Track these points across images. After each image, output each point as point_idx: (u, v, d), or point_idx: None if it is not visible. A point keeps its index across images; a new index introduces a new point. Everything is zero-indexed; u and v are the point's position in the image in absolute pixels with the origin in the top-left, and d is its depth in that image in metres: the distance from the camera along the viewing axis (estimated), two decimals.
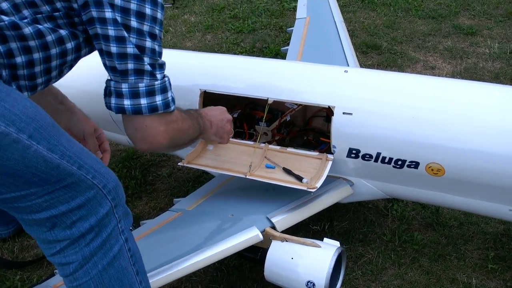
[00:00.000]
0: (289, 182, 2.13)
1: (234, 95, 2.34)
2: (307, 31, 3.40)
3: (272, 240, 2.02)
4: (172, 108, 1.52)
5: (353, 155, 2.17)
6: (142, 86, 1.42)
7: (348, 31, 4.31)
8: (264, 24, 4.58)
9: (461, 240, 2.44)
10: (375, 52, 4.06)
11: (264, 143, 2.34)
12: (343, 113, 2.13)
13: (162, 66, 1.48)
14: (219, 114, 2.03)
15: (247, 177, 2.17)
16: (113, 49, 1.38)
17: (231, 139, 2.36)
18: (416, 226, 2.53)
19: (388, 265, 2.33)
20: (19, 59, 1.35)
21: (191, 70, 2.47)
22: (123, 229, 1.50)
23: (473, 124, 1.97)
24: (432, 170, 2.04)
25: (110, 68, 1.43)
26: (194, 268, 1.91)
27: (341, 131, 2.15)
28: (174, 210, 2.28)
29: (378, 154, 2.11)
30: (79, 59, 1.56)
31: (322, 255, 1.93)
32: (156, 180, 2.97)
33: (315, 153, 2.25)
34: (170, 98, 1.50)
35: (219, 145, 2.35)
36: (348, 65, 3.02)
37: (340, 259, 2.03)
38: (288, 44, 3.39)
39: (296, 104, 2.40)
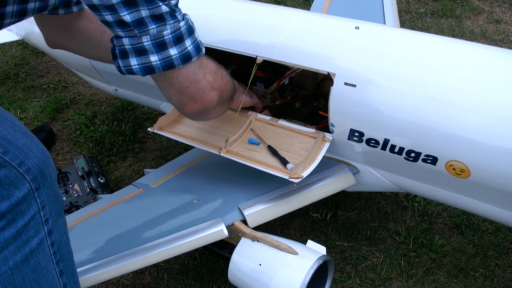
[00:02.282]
0: (270, 167, 1.71)
1: (219, 49, 1.90)
2: None
3: (242, 238, 1.64)
4: (203, 50, 1.31)
5: (355, 138, 1.71)
6: (167, 33, 1.19)
7: None
8: None
9: (494, 251, 1.97)
10: None
11: (250, 111, 1.91)
12: (345, 83, 1.67)
13: (177, 2, 1.24)
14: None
15: (221, 154, 1.76)
16: None
17: None
18: (439, 226, 2.07)
19: (394, 274, 1.90)
20: None
21: None
22: (47, 217, 1.20)
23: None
24: (455, 169, 1.57)
25: (117, 23, 1.17)
26: (140, 266, 1.60)
27: (341, 106, 1.69)
28: (136, 185, 1.94)
29: (386, 141, 1.65)
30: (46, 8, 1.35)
31: (298, 265, 1.56)
32: (147, 137, 2.61)
33: (312, 130, 1.81)
34: (198, 38, 1.29)
35: None
36: (385, 18, 2.50)
37: (327, 268, 1.64)
38: None
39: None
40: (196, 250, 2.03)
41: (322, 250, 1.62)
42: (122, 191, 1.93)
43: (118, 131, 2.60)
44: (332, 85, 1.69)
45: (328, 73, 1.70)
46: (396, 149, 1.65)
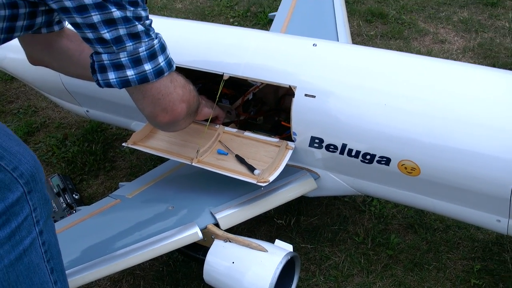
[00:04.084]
0: (239, 173, 1.84)
1: (186, 67, 2.04)
2: (294, 6, 3.05)
3: (214, 240, 1.76)
4: (174, 66, 1.45)
5: (316, 145, 1.87)
6: (142, 50, 1.32)
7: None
8: None
9: (445, 246, 2.14)
10: (380, 21, 3.68)
11: (217, 125, 2.04)
12: (305, 95, 1.83)
13: (151, 22, 1.37)
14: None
15: (193, 164, 1.89)
16: (95, 17, 1.24)
17: None
18: (394, 227, 2.23)
19: (355, 271, 2.05)
20: None
21: None
22: (38, 219, 1.28)
23: (459, 119, 1.65)
24: (406, 168, 1.74)
25: (97, 40, 1.30)
26: (122, 267, 1.70)
27: (302, 116, 1.85)
28: (113, 197, 2.04)
29: (344, 146, 1.81)
30: (33, 27, 1.43)
31: (268, 261, 1.68)
32: (117, 156, 2.71)
33: (275, 140, 1.96)
34: (169, 56, 1.42)
35: None
36: (338, 38, 2.69)
37: (294, 264, 1.77)
38: (277, 10, 3.06)
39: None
40: (170, 257, 2.13)
41: (289, 247, 1.75)
42: (99, 202, 2.02)
43: (89, 151, 2.69)
44: (294, 97, 1.84)
45: (290, 86, 1.85)
46: (353, 153, 1.81)
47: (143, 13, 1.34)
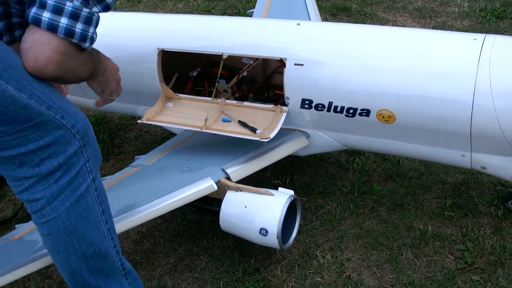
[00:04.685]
0: (244, 134, 2.16)
1: (191, 51, 2.35)
2: None
3: (227, 191, 2.05)
4: (87, 45, 1.41)
5: (306, 106, 2.19)
6: (69, 5, 1.33)
7: None
8: None
9: (420, 190, 2.48)
10: (344, 14, 4.06)
11: (220, 98, 2.36)
12: (295, 64, 2.15)
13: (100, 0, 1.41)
14: (114, 68, 1.75)
15: (202, 130, 2.19)
16: None
17: (190, 96, 2.39)
18: (376, 178, 2.57)
19: (346, 215, 2.37)
20: None
21: (148, 31, 2.48)
22: (91, 168, 1.53)
23: (419, 71, 1.99)
24: (383, 117, 2.07)
25: None
26: (149, 217, 1.96)
27: (293, 82, 2.17)
28: (133, 166, 2.31)
29: (330, 104, 2.14)
30: None
31: (275, 203, 1.97)
32: (123, 143, 2.99)
33: (270, 106, 2.28)
34: (90, 33, 1.40)
35: (178, 102, 2.38)
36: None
37: (295, 207, 2.07)
38: (254, 7, 3.40)
39: (251, 59, 2.43)
40: (184, 218, 2.41)
41: (290, 192, 2.06)
42: (121, 172, 2.28)
43: (98, 140, 2.95)
44: (285, 67, 2.17)
45: (281, 59, 2.18)
46: (339, 109, 2.13)
47: None
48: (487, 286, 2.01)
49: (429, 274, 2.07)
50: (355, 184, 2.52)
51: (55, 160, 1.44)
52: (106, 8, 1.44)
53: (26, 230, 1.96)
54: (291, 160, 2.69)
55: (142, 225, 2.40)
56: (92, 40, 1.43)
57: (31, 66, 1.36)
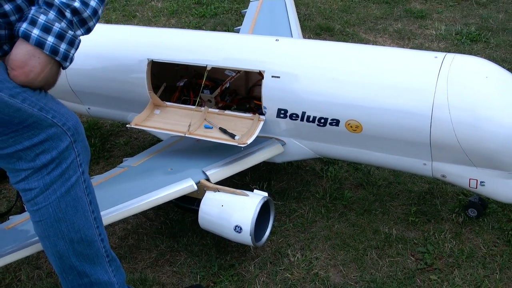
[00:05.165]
0: (223, 139, 2.32)
1: (178, 63, 2.53)
2: (258, 13, 3.59)
3: (206, 191, 2.21)
4: (67, 64, 1.58)
5: (282, 115, 2.36)
6: (57, 26, 1.49)
7: (305, 15, 4.53)
8: (226, 9, 4.77)
9: (388, 197, 2.64)
10: (327, 34, 4.26)
11: (204, 107, 2.53)
12: (272, 76, 2.33)
13: (83, 22, 1.56)
14: None
15: (186, 135, 2.36)
16: None
17: (176, 104, 2.57)
18: (347, 186, 2.73)
19: (318, 218, 2.53)
20: None
21: (139, 43, 2.65)
22: (81, 162, 1.70)
23: (384, 85, 2.17)
24: (351, 126, 2.24)
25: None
26: (133, 212, 2.12)
27: (270, 93, 2.34)
28: (121, 166, 2.47)
29: (304, 113, 2.31)
30: None
31: (249, 202, 2.13)
32: (113, 147, 3.15)
33: (249, 115, 2.45)
34: (71, 54, 1.57)
35: (164, 109, 2.54)
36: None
37: (269, 208, 2.23)
38: (241, 25, 3.59)
39: (233, 71, 2.60)
40: (167, 217, 2.57)
41: (265, 194, 2.21)
42: (109, 171, 2.44)
43: (89, 144, 3.11)
44: (263, 79, 2.35)
45: (260, 71, 2.36)
46: (311, 119, 2.30)
47: None
48: (444, 285, 2.17)
49: (390, 273, 2.23)
50: (327, 190, 2.68)
51: (48, 154, 1.60)
52: (88, 31, 1.60)
53: (19, 220, 2.11)
54: (269, 167, 2.85)
55: (127, 222, 2.56)
56: (71, 61, 1.59)
57: (23, 78, 1.53)
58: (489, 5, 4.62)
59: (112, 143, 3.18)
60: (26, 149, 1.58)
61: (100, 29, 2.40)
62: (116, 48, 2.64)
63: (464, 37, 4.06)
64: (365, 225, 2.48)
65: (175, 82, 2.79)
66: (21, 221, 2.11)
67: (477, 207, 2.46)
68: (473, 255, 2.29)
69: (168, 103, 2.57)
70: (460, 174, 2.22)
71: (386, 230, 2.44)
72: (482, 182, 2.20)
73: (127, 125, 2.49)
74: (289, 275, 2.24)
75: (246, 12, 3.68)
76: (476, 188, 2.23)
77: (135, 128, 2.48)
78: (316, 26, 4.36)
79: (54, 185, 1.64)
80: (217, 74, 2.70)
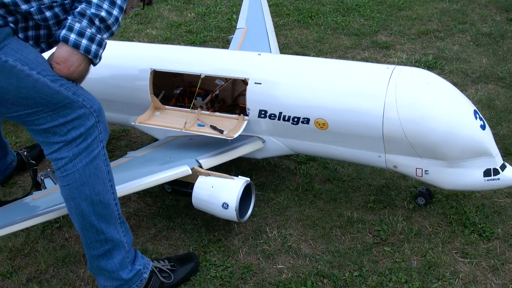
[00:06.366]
0: (214, 134, 2.75)
1: (176, 72, 2.97)
2: (243, 39, 4.06)
3: (199, 176, 2.62)
4: (97, 61, 1.99)
5: (262, 115, 2.79)
6: (88, 31, 1.88)
7: (283, 44, 5.02)
8: (214, 38, 5.24)
9: (351, 189, 3.07)
10: None
11: (197, 109, 2.96)
12: (255, 83, 2.77)
13: (108, 27, 1.95)
14: None
15: (182, 130, 2.78)
16: None
17: (174, 107, 2.99)
18: (317, 180, 3.16)
19: (291, 205, 2.94)
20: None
21: (143, 55, 3.10)
22: (102, 139, 2.09)
23: (345, 89, 2.61)
24: (319, 124, 2.68)
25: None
26: (137, 190, 2.52)
27: (253, 96, 2.77)
28: (126, 157, 2.87)
29: (280, 113, 2.74)
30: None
31: (235, 184, 2.53)
32: (115, 149, 3.54)
33: (235, 115, 2.88)
34: (100, 53, 1.96)
35: (164, 111, 2.97)
36: None
37: (250, 191, 2.64)
38: (228, 49, 4.05)
39: (223, 80, 3.05)
40: (163, 203, 2.96)
41: (247, 178, 2.62)
42: (116, 161, 2.84)
43: None
44: (248, 85, 2.79)
45: (245, 78, 2.81)
46: (286, 118, 2.72)
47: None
48: (395, 255, 2.58)
49: (352, 246, 2.64)
50: (300, 184, 3.10)
51: (78, 130, 1.99)
52: (111, 34, 2.02)
53: (43, 193, 2.51)
54: (250, 165, 3.27)
55: (129, 207, 2.94)
56: (100, 59, 1.98)
57: (65, 71, 1.94)
58: (446, 38, 5.17)
59: (114, 145, 3.57)
60: (60, 125, 1.97)
61: (110, 44, 2.84)
62: (123, 59, 3.07)
63: (422, 64, 4.57)
64: (331, 210, 2.90)
65: (172, 91, 3.22)
66: (46, 193, 2.50)
67: (425, 196, 2.89)
68: (420, 233, 2.71)
69: (167, 106, 2.99)
70: (408, 164, 2.65)
71: (348, 214, 2.86)
72: (427, 170, 2.63)
73: (131, 123, 2.90)
74: (267, 247, 2.64)
75: (232, 37, 4.15)
76: (422, 176, 2.66)
77: (139, 126, 2.90)
78: (293, 53, 4.83)
79: (81, 156, 2.03)
80: (207, 85, 3.14)
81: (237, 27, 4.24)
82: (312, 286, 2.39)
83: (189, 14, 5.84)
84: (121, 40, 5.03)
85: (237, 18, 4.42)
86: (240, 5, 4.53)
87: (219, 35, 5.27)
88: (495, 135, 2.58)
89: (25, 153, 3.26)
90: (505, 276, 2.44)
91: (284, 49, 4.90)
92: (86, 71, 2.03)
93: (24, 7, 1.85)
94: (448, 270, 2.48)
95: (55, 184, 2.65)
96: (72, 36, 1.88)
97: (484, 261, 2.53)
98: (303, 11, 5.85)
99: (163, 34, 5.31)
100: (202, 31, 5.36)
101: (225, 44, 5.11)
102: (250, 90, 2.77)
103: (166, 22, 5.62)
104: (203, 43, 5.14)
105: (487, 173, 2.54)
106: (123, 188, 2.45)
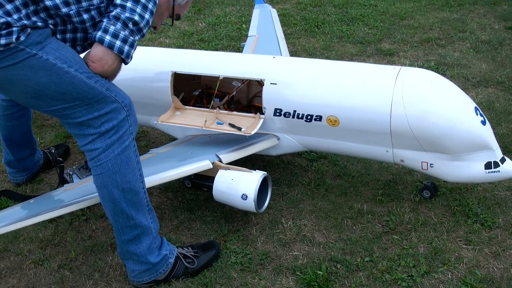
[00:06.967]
0: (232, 131, 2.92)
1: (196, 74, 3.15)
2: (255, 46, 4.24)
3: (219, 169, 2.79)
4: (128, 60, 2.13)
5: (277, 114, 2.96)
6: (122, 33, 2.03)
7: (292, 51, 5.21)
8: (225, 46, 5.43)
9: (360, 184, 3.23)
10: None
11: (216, 109, 3.13)
12: (270, 83, 2.95)
13: (140, 30, 2.09)
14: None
15: (203, 128, 2.95)
16: None
17: (193, 107, 3.16)
18: (328, 176, 3.32)
19: (305, 198, 3.10)
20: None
21: (167, 59, 3.27)
22: (132, 131, 2.25)
23: (356, 88, 2.78)
24: (331, 121, 2.85)
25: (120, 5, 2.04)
26: (164, 181, 2.68)
27: (269, 96, 2.94)
28: (149, 153, 3.03)
29: (294, 112, 2.91)
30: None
31: (253, 176, 2.69)
32: None
33: (252, 114, 3.05)
34: (131, 53, 2.11)
35: (184, 111, 3.14)
36: None
37: (267, 183, 2.81)
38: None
39: (239, 81, 3.23)
40: (184, 197, 3.13)
41: (264, 172, 2.79)
42: (140, 156, 3.01)
43: None
44: (264, 86, 2.97)
45: (261, 79, 2.98)
46: (300, 116, 2.89)
47: None
48: (403, 242, 2.73)
49: (363, 234, 2.80)
50: (312, 179, 3.27)
51: (110, 123, 2.16)
52: (142, 36, 2.18)
53: (73, 185, 2.67)
54: (265, 163, 3.44)
55: (151, 201, 3.08)
56: (131, 58, 2.13)
57: (99, 69, 2.09)
58: (447, 46, 5.35)
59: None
60: (95, 118, 2.13)
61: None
62: (146, 63, 3.25)
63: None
64: (342, 203, 3.06)
65: (190, 93, 3.40)
66: (76, 185, 2.66)
67: (430, 189, 3.05)
68: (426, 223, 2.87)
69: (187, 107, 3.16)
70: (414, 158, 2.81)
71: (358, 206, 3.02)
72: (432, 164, 2.79)
73: (154, 122, 3.08)
74: (283, 236, 2.80)
75: (244, 45, 4.33)
76: (427, 169, 2.82)
77: (160, 125, 3.07)
78: None
79: (113, 146, 2.19)
80: (224, 87, 3.31)
81: (248, 35, 4.42)
82: (327, 270, 2.54)
83: (200, 24, 6.05)
84: None
85: (247, 28, 4.62)
86: (249, 15, 4.73)
87: (230, 44, 5.46)
88: (495, 135, 2.73)
89: (53, 150, 3.43)
90: (506, 261, 2.59)
91: (292, 56, 5.09)
92: (118, 69, 2.20)
93: (64, 10, 2.01)
94: (453, 255, 2.63)
95: (80, 179, 2.81)
96: (107, 38, 2.05)
97: (487, 247, 2.68)
98: (309, 20, 6.06)
99: (176, 43, 5.51)
100: (214, 40, 5.55)
101: (236, 51, 5.30)
102: (266, 90, 2.94)
103: (179, 32, 5.82)
104: (214, 51, 5.33)
105: (488, 166, 2.70)
106: (150, 180, 2.60)
